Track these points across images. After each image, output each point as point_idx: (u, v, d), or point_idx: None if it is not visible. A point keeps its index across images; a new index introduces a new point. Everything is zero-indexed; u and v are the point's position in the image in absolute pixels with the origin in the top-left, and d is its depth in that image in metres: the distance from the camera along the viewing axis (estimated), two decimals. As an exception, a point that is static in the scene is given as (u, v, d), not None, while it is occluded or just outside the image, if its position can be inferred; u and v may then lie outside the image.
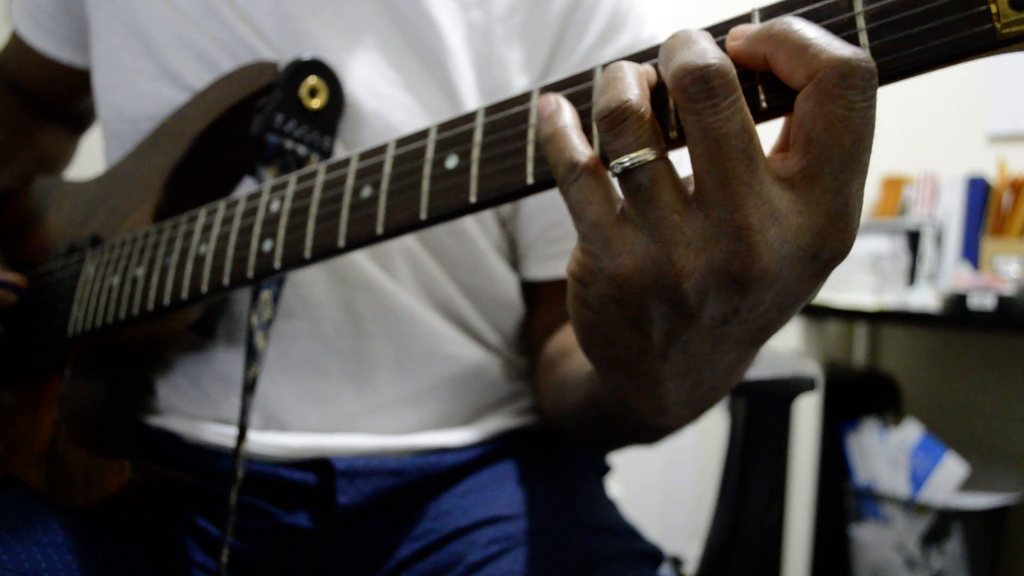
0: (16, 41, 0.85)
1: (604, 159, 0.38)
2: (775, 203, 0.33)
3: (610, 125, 0.34)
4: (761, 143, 0.33)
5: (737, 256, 0.33)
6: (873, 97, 0.32)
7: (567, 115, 0.39)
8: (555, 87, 0.42)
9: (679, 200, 0.34)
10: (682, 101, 0.33)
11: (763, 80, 0.35)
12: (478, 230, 0.69)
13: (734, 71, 0.32)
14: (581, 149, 0.37)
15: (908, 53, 0.33)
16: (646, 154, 0.34)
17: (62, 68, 0.84)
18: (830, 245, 0.34)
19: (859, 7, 0.34)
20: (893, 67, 0.33)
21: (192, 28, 0.67)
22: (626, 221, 0.36)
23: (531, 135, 0.42)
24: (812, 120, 0.33)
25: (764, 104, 0.35)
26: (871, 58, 0.32)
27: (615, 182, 0.37)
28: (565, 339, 0.67)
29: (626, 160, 0.34)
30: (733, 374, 0.44)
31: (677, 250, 0.34)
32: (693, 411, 0.48)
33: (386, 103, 0.66)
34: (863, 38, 0.34)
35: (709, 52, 0.33)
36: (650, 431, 0.57)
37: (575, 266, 0.39)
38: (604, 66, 0.40)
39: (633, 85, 0.35)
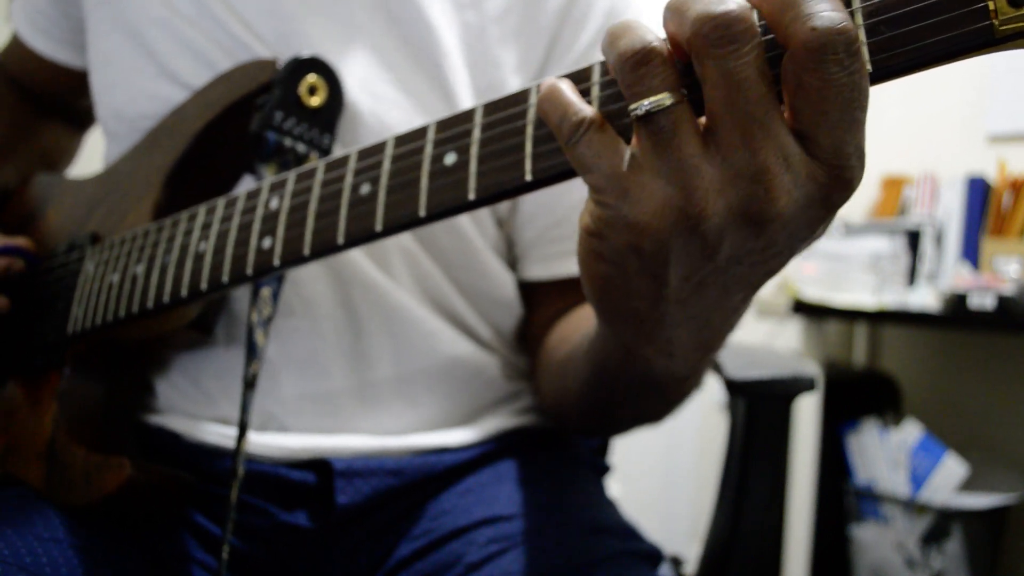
0: (16, 42, 0.86)
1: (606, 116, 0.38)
2: (788, 149, 0.34)
3: (634, 66, 0.35)
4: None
5: (755, 199, 0.34)
6: (853, 64, 0.32)
7: (564, 81, 0.39)
8: None
9: (698, 144, 0.35)
10: (703, 47, 0.33)
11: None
12: (475, 230, 0.69)
13: (755, 18, 0.33)
14: (583, 106, 0.38)
15: (906, 50, 0.33)
16: (666, 98, 0.34)
17: (61, 69, 0.84)
18: (834, 192, 0.35)
19: (857, 3, 0.34)
20: (891, 64, 0.33)
21: (190, 28, 0.67)
22: (642, 168, 0.36)
23: (530, 131, 0.42)
24: (794, 90, 0.33)
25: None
26: (848, 25, 0.32)
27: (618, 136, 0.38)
28: (564, 328, 0.67)
29: (647, 103, 0.35)
30: (736, 315, 0.45)
31: (696, 193, 0.35)
32: (699, 355, 0.48)
33: (382, 103, 0.66)
34: (861, 34, 0.34)
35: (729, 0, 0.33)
36: (656, 392, 0.57)
37: (589, 220, 0.39)
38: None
39: (651, 31, 0.35)
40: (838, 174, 0.34)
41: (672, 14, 0.35)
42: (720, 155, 0.34)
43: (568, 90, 0.39)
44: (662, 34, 0.36)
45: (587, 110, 0.38)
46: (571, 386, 0.63)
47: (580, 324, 0.63)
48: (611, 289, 0.42)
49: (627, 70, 0.35)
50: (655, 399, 0.59)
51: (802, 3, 0.32)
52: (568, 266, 0.70)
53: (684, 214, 0.35)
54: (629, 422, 0.66)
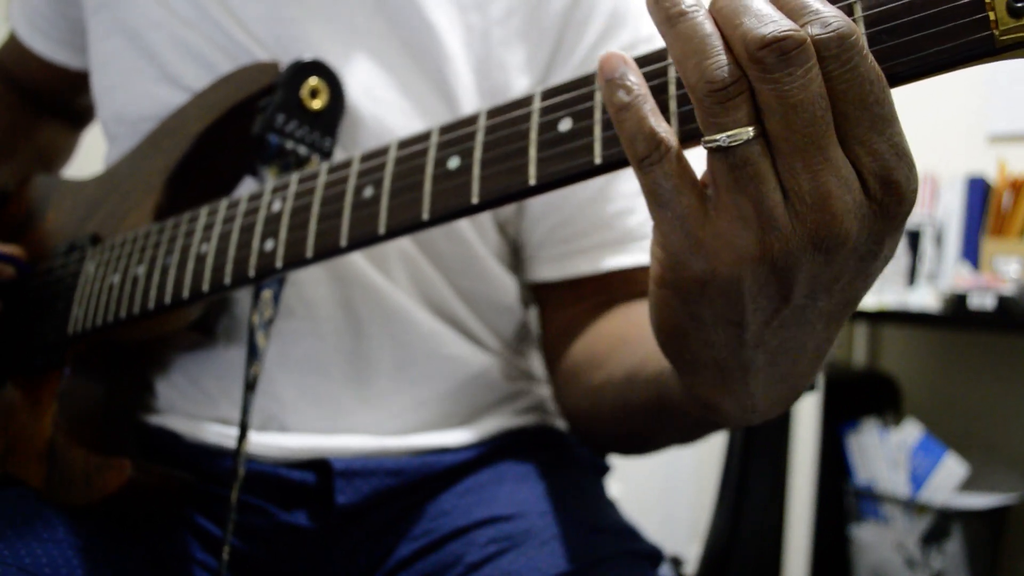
0: (14, 41, 0.86)
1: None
2: (846, 168, 0.33)
3: (725, 97, 0.32)
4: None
5: (823, 226, 0.33)
6: (852, 60, 0.31)
7: (643, 83, 0.36)
8: (557, 91, 0.42)
9: (775, 177, 0.33)
10: (758, 72, 0.32)
11: None
12: (475, 235, 0.69)
13: (810, 39, 0.32)
14: (665, 125, 0.35)
15: (908, 59, 0.33)
16: (749, 130, 0.33)
17: (60, 69, 0.84)
18: (889, 202, 0.33)
19: (859, 12, 0.34)
20: (893, 73, 0.34)
21: (189, 31, 0.67)
22: (718, 212, 0.34)
23: (534, 136, 0.42)
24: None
25: None
26: (839, 22, 0.31)
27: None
28: (594, 346, 0.66)
29: (727, 136, 0.33)
30: (821, 357, 0.42)
31: (774, 234, 0.33)
32: (782, 404, 0.46)
33: (383, 106, 0.66)
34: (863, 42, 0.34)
35: (781, 19, 0.32)
36: (709, 429, 0.56)
37: (659, 269, 0.37)
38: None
39: (726, 49, 0.33)
40: (883, 179, 0.33)
41: (722, 27, 0.33)
42: (787, 185, 0.33)
43: (651, 101, 0.35)
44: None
45: (668, 131, 0.35)
46: (608, 413, 0.62)
47: (617, 348, 0.62)
48: (687, 340, 0.40)
49: (714, 100, 0.33)
50: (705, 435, 0.58)
51: (809, 7, 0.32)
52: (579, 265, 0.69)
53: (762, 260, 0.34)
54: (666, 447, 0.65)
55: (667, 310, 0.39)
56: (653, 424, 0.58)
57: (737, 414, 0.45)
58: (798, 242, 0.33)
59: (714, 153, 0.34)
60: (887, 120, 0.33)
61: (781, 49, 0.31)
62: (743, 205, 0.34)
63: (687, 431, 0.58)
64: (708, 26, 0.33)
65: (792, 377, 0.42)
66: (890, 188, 0.33)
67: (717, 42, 0.33)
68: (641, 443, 0.67)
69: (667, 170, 0.35)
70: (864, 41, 0.32)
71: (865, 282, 0.37)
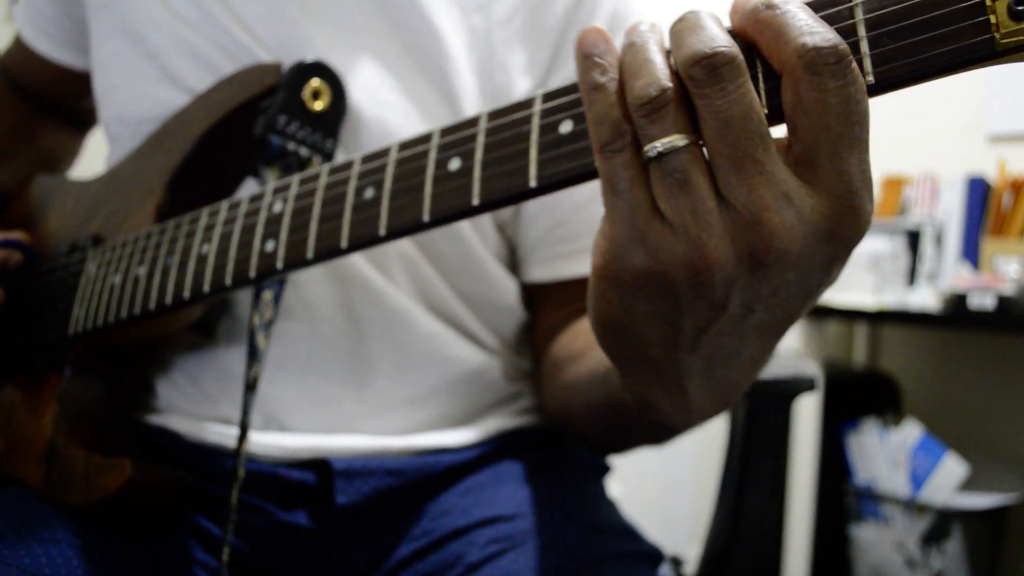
0: (19, 44, 0.86)
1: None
2: (788, 184, 0.33)
3: (650, 111, 0.34)
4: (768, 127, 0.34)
5: (759, 238, 0.33)
6: (847, 76, 0.32)
7: (618, 67, 0.37)
8: (559, 93, 0.42)
9: (711, 187, 0.34)
10: (692, 87, 0.33)
11: (762, 63, 0.35)
12: (476, 236, 0.69)
13: (740, 56, 0.33)
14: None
15: (908, 62, 0.33)
16: (679, 139, 0.34)
17: (64, 71, 0.84)
18: (844, 226, 0.34)
19: (860, 15, 0.34)
20: (893, 76, 0.34)
21: (191, 32, 0.67)
22: (660, 215, 0.35)
23: (534, 138, 0.42)
24: (793, 108, 0.33)
25: (763, 88, 0.35)
26: (838, 39, 0.32)
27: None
28: (572, 343, 0.67)
29: (659, 145, 0.34)
30: (756, 367, 0.43)
31: (711, 241, 0.34)
32: (717, 408, 0.47)
33: (385, 108, 0.66)
34: (864, 46, 0.34)
35: (717, 38, 0.33)
36: (665, 431, 0.58)
37: (601, 261, 0.38)
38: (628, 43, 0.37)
39: (665, 67, 0.35)
40: (844, 202, 0.33)
41: (672, 46, 0.35)
42: (723, 197, 0.34)
43: (616, 85, 0.36)
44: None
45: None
46: (577, 411, 0.63)
47: (590, 345, 0.63)
48: (622, 335, 0.41)
49: (642, 114, 0.34)
50: (664, 436, 0.60)
51: (795, 26, 0.33)
52: (571, 267, 0.70)
53: (698, 267, 0.34)
54: (633, 447, 0.67)
55: (604, 303, 0.39)
56: (611, 422, 0.59)
57: (674, 414, 0.47)
58: (735, 253, 0.34)
59: (649, 164, 0.35)
60: (862, 144, 0.33)
61: (711, 64, 0.32)
62: (675, 215, 0.34)
63: (643, 432, 0.60)
64: (643, 53, 0.35)
65: (727, 383, 0.43)
66: (851, 214, 0.34)
67: (648, 65, 0.34)
68: (609, 442, 0.68)
69: (627, 160, 0.35)
70: (855, 65, 0.33)
71: (806, 300, 0.37)
